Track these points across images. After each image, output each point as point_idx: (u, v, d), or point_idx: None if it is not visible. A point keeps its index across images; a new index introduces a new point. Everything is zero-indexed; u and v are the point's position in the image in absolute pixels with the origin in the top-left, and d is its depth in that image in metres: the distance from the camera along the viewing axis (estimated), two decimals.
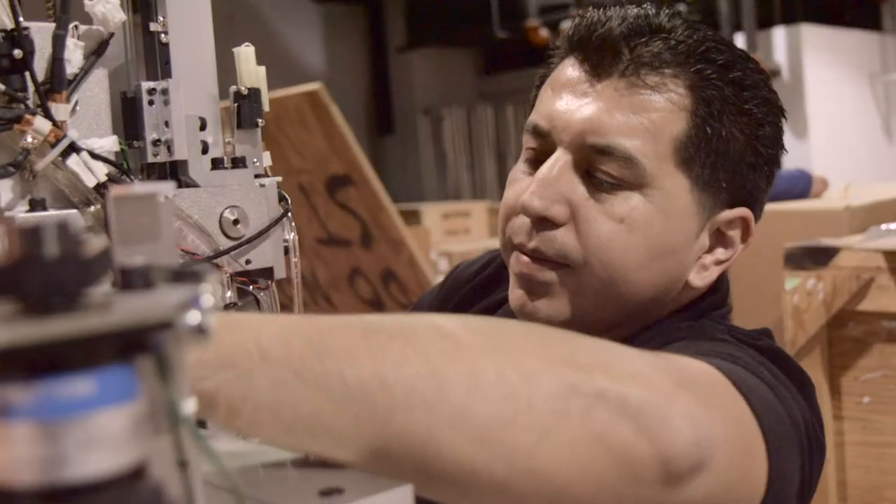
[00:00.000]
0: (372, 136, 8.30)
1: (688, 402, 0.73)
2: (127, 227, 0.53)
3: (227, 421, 0.62)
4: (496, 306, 1.24)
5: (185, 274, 0.46)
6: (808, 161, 7.01)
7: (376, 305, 3.90)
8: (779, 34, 7.46)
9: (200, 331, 0.42)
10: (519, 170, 1.06)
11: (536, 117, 1.03)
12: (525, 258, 1.01)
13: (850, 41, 7.87)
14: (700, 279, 1.03)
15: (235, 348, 0.61)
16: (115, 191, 0.53)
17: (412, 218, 5.32)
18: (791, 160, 7.11)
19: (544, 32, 6.72)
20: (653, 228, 0.97)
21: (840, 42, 7.72)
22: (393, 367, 0.63)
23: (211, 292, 0.43)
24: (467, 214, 5.82)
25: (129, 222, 0.53)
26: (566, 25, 6.69)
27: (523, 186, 1.02)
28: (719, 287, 1.09)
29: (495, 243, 1.14)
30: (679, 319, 1.05)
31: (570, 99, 0.99)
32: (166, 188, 0.54)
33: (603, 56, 0.98)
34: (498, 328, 0.73)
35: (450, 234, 5.63)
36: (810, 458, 0.91)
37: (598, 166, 0.97)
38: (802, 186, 3.52)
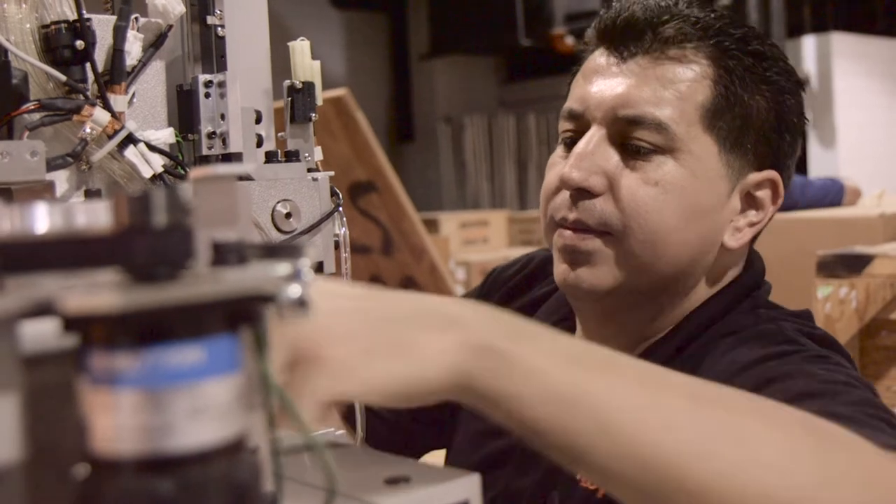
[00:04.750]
0: (392, 144, 8.30)
1: None
2: (207, 209, 0.53)
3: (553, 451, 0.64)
4: (535, 303, 1.25)
5: (280, 249, 0.46)
6: (836, 170, 6.96)
7: None
8: (809, 43, 7.42)
9: (301, 304, 0.42)
10: (557, 154, 1.10)
11: (570, 102, 1.08)
12: (568, 232, 1.05)
13: (881, 50, 7.83)
14: (734, 240, 1.06)
15: (571, 386, 0.62)
16: (195, 172, 0.53)
17: (430, 227, 5.29)
18: (819, 169, 7.10)
19: (570, 40, 6.70)
20: (686, 190, 1.02)
21: (870, 50, 7.68)
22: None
23: (310, 267, 0.43)
24: (486, 224, 5.80)
25: (208, 204, 0.53)
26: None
27: (562, 167, 1.06)
28: (753, 263, 1.13)
29: (513, 253, 1.16)
30: (726, 301, 1.08)
31: (601, 81, 1.05)
32: (247, 168, 0.55)
33: (628, 39, 1.05)
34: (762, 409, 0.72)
35: (468, 244, 5.62)
36: None
37: (632, 135, 1.02)
38: (834, 195, 3.50)
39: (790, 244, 3.10)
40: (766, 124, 1.06)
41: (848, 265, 2.39)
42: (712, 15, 1.07)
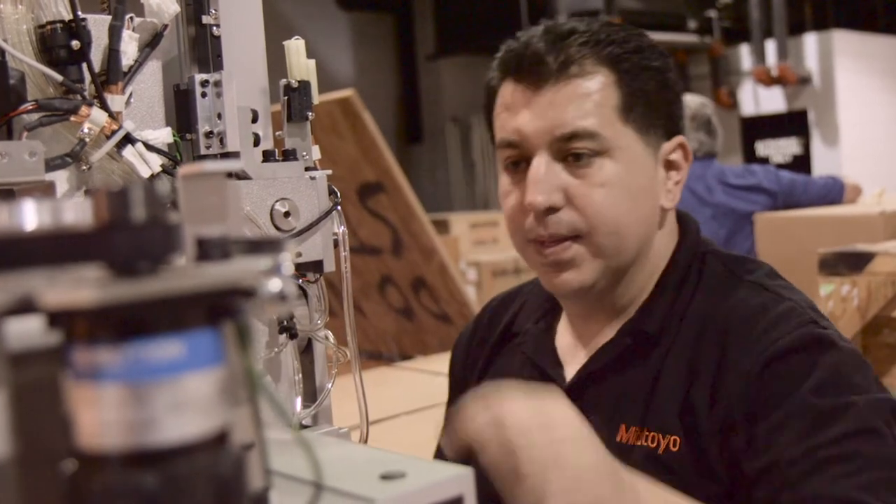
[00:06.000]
0: (400, 145, 8.30)
1: None
2: (195, 205, 0.53)
3: None
4: (508, 326, 1.41)
5: (262, 244, 0.46)
6: (838, 167, 6.95)
7: (406, 313, 3.90)
8: (810, 40, 7.42)
9: (281, 298, 0.42)
10: (507, 183, 1.26)
11: (506, 134, 1.23)
12: (549, 248, 1.21)
13: (882, 47, 7.81)
14: (669, 200, 1.26)
15: None
16: (184, 169, 0.54)
17: (440, 227, 5.30)
18: (821, 166, 7.08)
19: None
20: (626, 181, 1.19)
21: (872, 48, 7.66)
22: None
23: (290, 262, 0.44)
24: (496, 224, 5.80)
25: (197, 201, 0.53)
26: None
27: (519, 194, 1.22)
28: (686, 220, 1.32)
29: None
30: (686, 259, 1.25)
31: (527, 113, 1.20)
32: (235, 165, 0.55)
33: (535, 73, 1.20)
34: None
35: (478, 244, 5.62)
36: None
37: (572, 148, 1.18)
38: (835, 193, 3.51)
39: (792, 242, 3.10)
40: (661, 100, 1.24)
41: (849, 263, 2.39)
42: (596, 28, 1.23)
